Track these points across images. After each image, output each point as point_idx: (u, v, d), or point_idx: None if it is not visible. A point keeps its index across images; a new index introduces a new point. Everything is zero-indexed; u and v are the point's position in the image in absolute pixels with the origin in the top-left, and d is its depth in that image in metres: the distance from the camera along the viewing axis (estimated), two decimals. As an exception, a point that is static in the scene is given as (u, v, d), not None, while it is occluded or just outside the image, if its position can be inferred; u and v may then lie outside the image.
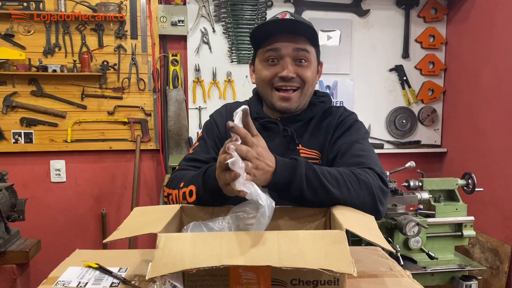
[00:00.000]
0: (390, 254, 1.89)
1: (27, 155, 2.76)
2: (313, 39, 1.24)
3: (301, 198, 1.03)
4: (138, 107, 2.83)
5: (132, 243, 2.83)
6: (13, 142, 2.71)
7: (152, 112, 2.84)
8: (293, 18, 1.22)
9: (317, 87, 2.90)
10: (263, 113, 1.33)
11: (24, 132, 2.72)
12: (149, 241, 2.89)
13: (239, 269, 0.83)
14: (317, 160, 1.27)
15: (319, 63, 1.32)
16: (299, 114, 1.31)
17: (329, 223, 1.08)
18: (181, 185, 1.15)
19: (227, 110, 1.39)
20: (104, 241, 0.89)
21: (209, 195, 1.06)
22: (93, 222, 2.88)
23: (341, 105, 1.48)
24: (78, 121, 2.77)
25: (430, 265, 1.96)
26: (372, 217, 1.00)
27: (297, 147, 1.27)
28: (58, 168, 2.81)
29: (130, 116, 2.82)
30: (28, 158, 2.76)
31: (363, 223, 0.97)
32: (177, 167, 1.31)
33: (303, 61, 1.22)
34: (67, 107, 2.75)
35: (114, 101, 2.79)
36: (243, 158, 0.91)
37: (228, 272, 0.83)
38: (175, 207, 1.07)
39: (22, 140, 2.72)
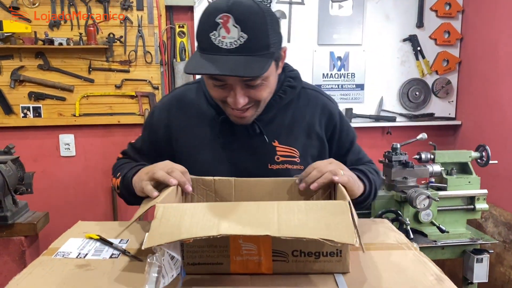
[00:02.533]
0: (400, 227, 1.87)
1: (36, 130, 2.76)
2: (269, 47, 0.99)
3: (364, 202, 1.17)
4: (145, 80, 2.79)
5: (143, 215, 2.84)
6: (22, 117, 2.71)
7: (159, 85, 2.81)
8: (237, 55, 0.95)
9: (328, 59, 2.86)
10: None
11: (32, 107, 2.72)
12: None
13: (239, 240, 0.81)
14: (295, 158, 1.17)
15: (280, 57, 1.08)
16: (269, 106, 1.15)
17: (334, 195, 1.05)
18: (118, 174, 1.21)
19: (175, 100, 1.23)
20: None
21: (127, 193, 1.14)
22: (103, 196, 2.89)
23: (312, 85, 1.31)
24: (85, 95, 2.75)
25: (441, 239, 1.93)
26: None
27: (273, 144, 1.17)
28: (67, 142, 2.81)
29: (138, 89, 2.79)
30: (37, 132, 2.77)
31: None
32: (125, 148, 1.35)
33: (257, 85, 1.02)
34: (75, 80, 2.73)
35: (121, 75, 2.76)
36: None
37: (228, 243, 0.82)
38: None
39: (31, 115, 2.72)
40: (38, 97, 2.71)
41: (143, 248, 0.74)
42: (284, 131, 1.18)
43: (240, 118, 1.10)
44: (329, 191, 1.07)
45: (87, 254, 0.95)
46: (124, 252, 0.96)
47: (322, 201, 0.85)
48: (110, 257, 0.94)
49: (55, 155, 2.82)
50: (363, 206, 1.18)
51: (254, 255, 0.82)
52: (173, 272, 0.76)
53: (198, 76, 2.80)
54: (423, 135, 1.94)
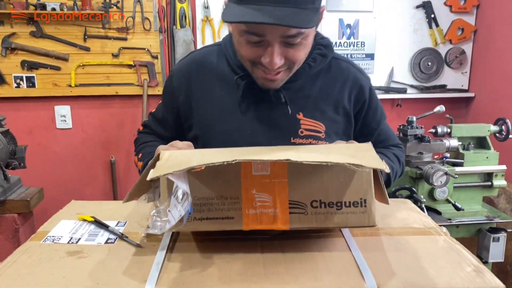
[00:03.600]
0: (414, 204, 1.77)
1: (31, 100, 2.64)
2: (315, 1, 0.90)
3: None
4: (144, 49, 2.65)
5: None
6: (15, 87, 2.58)
7: (158, 54, 2.67)
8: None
9: (337, 27, 2.70)
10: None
11: (25, 76, 2.58)
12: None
13: (252, 190, 0.73)
14: (320, 133, 1.06)
15: (320, 13, 0.96)
16: (298, 74, 1.04)
17: None
18: (140, 155, 1.16)
19: (195, 64, 1.12)
20: (148, 178, 0.77)
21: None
22: (102, 170, 2.79)
23: (345, 56, 1.19)
24: (81, 64, 2.61)
25: (456, 217, 1.84)
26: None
27: (298, 116, 1.06)
28: (63, 114, 2.69)
29: (136, 58, 2.65)
30: (32, 103, 2.65)
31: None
32: (146, 119, 1.26)
33: (296, 43, 0.92)
34: (69, 49, 2.59)
35: (118, 43, 2.62)
36: None
37: (240, 194, 0.74)
38: None
39: (24, 85, 2.59)
40: (31, 66, 2.57)
41: (148, 179, 0.66)
42: (310, 103, 1.07)
43: (270, 81, 0.99)
44: None
45: (80, 238, 0.86)
46: (121, 236, 0.86)
47: (345, 143, 0.79)
48: (106, 242, 0.84)
49: (51, 127, 2.70)
50: None
51: (268, 207, 0.74)
52: (179, 210, 0.69)
53: (199, 44, 2.67)
54: (440, 108, 1.82)
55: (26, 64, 2.56)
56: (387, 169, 0.66)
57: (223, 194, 0.74)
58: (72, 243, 0.84)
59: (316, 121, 1.07)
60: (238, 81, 1.06)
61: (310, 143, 1.05)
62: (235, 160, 0.64)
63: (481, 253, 1.85)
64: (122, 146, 2.78)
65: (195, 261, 0.74)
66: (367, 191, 0.73)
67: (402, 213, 0.98)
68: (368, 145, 0.76)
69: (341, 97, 1.10)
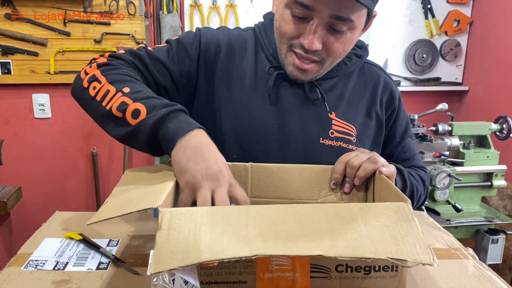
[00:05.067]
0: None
1: (6, 88, 2.46)
2: None
3: None
4: (128, 34, 2.50)
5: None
6: (-11, 73, 2.41)
7: (144, 41, 2.52)
8: None
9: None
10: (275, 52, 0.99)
11: (0, 62, 2.41)
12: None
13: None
14: (351, 137, 0.99)
15: (371, 17, 0.94)
16: (333, 71, 1.00)
17: (373, 189, 0.87)
18: (125, 89, 0.83)
19: (227, 39, 1.01)
20: (87, 223, 0.65)
21: (151, 143, 0.79)
22: (83, 162, 2.65)
23: (375, 62, 1.12)
24: (61, 50, 2.45)
25: (454, 217, 1.79)
26: None
27: (330, 116, 0.99)
28: (41, 103, 2.53)
29: (120, 45, 2.50)
30: (8, 91, 2.47)
31: None
32: (121, 51, 0.97)
33: (341, 31, 0.87)
34: (48, 33, 2.42)
35: (101, 28, 2.46)
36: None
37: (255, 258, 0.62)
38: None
39: (-1, 71, 2.42)
40: (6, 51, 2.39)
41: (148, 273, 0.53)
42: (344, 103, 1.01)
43: (300, 71, 0.93)
44: (365, 183, 0.89)
45: (67, 263, 0.75)
46: (114, 260, 0.76)
47: (378, 204, 0.66)
48: (98, 267, 0.74)
49: (28, 117, 2.54)
50: None
51: (287, 270, 0.64)
52: None
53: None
54: (443, 105, 1.75)
55: (1, 49, 2.38)
56: (436, 264, 0.56)
57: None
58: (59, 269, 0.73)
59: (348, 123, 1.00)
60: (270, 71, 0.97)
61: (340, 146, 0.98)
62: (257, 255, 0.53)
63: (478, 255, 1.81)
64: (105, 137, 2.64)
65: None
66: None
67: (422, 228, 0.91)
68: (408, 210, 0.65)
69: (373, 101, 1.03)
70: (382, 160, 0.85)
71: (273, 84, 0.96)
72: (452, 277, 0.72)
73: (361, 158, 0.86)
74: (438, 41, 2.79)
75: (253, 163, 0.90)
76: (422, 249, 0.57)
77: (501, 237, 1.75)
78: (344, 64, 1.01)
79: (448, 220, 1.77)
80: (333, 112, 0.99)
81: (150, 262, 0.54)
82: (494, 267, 2.33)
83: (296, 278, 0.64)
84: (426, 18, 2.74)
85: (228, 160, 0.78)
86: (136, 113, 0.78)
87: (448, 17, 2.74)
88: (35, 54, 2.43)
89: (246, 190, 0.89)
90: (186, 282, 0.57)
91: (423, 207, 1.69)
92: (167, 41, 1.02)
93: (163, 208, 0.62)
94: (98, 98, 0.85)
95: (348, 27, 0.86)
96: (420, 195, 1.06)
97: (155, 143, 0.79)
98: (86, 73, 0.90)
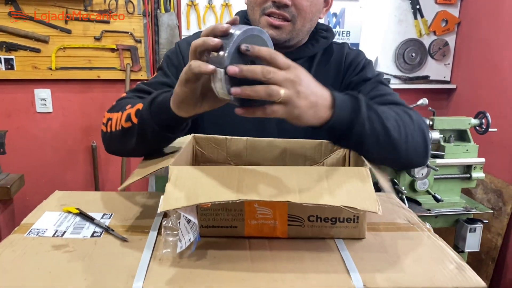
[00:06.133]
0: (396, 195, 1.80)
1: (9, 83, 2.57)
2: None
3: (360, 144, 0.86)
4: (127, 32, 2.60)
5: (125, 174, 2.74)
6: (-7, 69, 2.51)
7: (142, 38, 2.62)
8: None
9: (322, 15, 2.69)
10: None
11: (4, 58, 2.51)
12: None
13: (254, 204, 0.79)
14: None
15: None
16: (298, 50, 1.13)
17: (349, 158, 0.99)
18: (128, 106, 0.93)
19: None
20: (119, 188, 0.78)
21: (153, 120, 0.85)
22: (83, 155, 2.75)
23: (344, 42, 1.24)
24: (62, 47, 2.55)
25: (435, 207, 1.88)
26: None
27: None
28: (43, 98, 2.63)
29: (119, 42, 2.60)
30: (11, 86, 2.58)
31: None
32: (123, 95, 1.09)
33: None
34: (50, 31, 2.52)
35: (100, 25, 2.56)
36: (270, 82, 0.68)
37: (243, 207, 0.79)
38: (187, 137, 1.00)
39: (2, 67, 2.52)
40: (9, 47, 2.49)
41: (158, 211, 0.69)
42: None
43: (275, 29, 1.04)
44: (344, 152, 1.03)
45: (65, 232, 0.85)
46: (107, 229, 0.85)
47: (343, 168, 0.80)
48: (92, 235, 0.83)
49: (31, 111, 2.64)
50: (351, 144, 0.87)
51: (269, 219, 0.80)
52: (189, 236, 0.72)
53: (184, 29, 2.62)
54: (423, 100, 1.84)
55: (4, 46, 2.48)
56: (380, 212, 0.67)
57: (228, 206, 0.80)
58: (58, 236, 0.83)
59: None
60: None
61: None
62: (240, 199, 0.67)
63: (458, 243, 1.90)
64: (104, 131, 2.74)
65: (182, 256, 0.74)
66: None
67: (387, 207, 1.00)
68: (365, 173, 0.76)
69: (338, 74, 1.15)
70: (278, 96, 0.69)
71: None
72: (409, 244, 0.82)
73: (277, 75, 0.68)
74: (426, 41, 2.88)
75: (248, 137, 1.04)
76: (371, 201, 0.70)
77: (479, 226, 1.84)
78: (312, 45, 1.14)
79: (429, 210, 1.87)
80: None
81: (160, 204, 0.69)
82: (477, 257, 2.42)
83: (276, 225, 0.80)
84: (415, 18, 2.83)
85: None
86: (137, 112, 0.89)
87: (437, 17, 2.84)
88: (37, 50, 2.53)
89: (242, 157, 1.06)
90: (188, 221, 0.72)
91: (404, 197, 1.78)
92: (158, 68, 1.15)
93: (172, 166, 0.77)
94: (118, 128, 0.94)
95: None
96: (404, 124, 0.90)
97: (162, 119, 0.85)
98: (103, 123, 1.01)
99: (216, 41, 0.69)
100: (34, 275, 0.69)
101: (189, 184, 0.72)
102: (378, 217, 0.94)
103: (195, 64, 0.70)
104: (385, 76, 2.86)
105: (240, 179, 0.73)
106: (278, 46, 1.02)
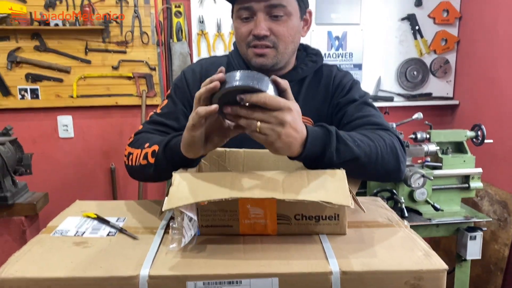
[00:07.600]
0: (395, 205, 1.89)
1: (34, 111, 2.77)
2: None
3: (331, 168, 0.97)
4: (142, 61, 2.79)
5: (141, 194, 2.88)
6: (20, 98, 2.72)
7: (156, 66, 2.80)
8: None
9: (325, 39, 2.84)
10: (246, 68, 1.22)
11: (30, 88, 2.72)
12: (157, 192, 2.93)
13: (247, 205, 0.90)
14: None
15: (305, 13, 1.20)
16: (288, 74, 1.23)
17: None
18: (146, 145, 1.09)
19: (202, 68, 1.27)
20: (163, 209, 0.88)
21: (167, 161, 1.02)
22: (102, 177, 2.92)
23: (334, 64, 1.33)
24: (83, 76, 2.74)
25: (436, 217, 1.96)
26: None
27: None
28: (65, 124, 2.82)
29: (135, 70, 2.79)
30: (36, 114, 2.78)
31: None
32: (140, 127, 1.25)
33: (279, 16, 1.12)
34: (71, 62, 2.73)
35: (118, 55, 2.75)
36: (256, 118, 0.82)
37: (238, 208, 0.90)
38: None
39: (28, 96, 2.72)
40: (35, 78, 2.70)
41: (163, 210, 0.81)
42: (299, 102, 1.16)
43: (259, 57, 1.15)
44: None
45: (84, 232, 0.97)
46: (120, 230, 0.98)
47: (322, 170, 0.91)
48: (107, 235, 0.96)
49: (54, 136, 2.83)
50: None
51: (261, 218, 0.91)
52: (191, 232, 0.85)
53: (195, 56, 2.80)
54: (418, 115, 1.94)
55: (30, 77, 2.69)
56: (352, 206, 0.78)
57: (224, 208, 0.90)
58: (78, 235, 0.95)
59: (305, 117, 1.13)
60: None
61: None
62: (232, 197, 0.79)
63: (459, 251, 1.96)
64: (122, 154, 2.89)
65: (185, 249, 0.86)
66: (340, 208, 0.90)
67: (371, 209, 1.10)
68: (341, 174, 0.87)
69: (326, 95, 1.23)
70: (258, 128, 0.82)
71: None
72: (384, 236, 0.92)
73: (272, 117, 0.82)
74: (427, 59, 2.99)
75: (245, 149, 1.16)
76: (345, 197, 0.81)
77: (479, 234, 1.90)
78: (301, 70, 1.23)
79: (429, 219, 1.94)
80: None
81: (163, 203, 0.81)
82: (486, 269, 2.46)
83: (267, 224, 0.92)
84: (415, 38, 2.96)
85: None
86: (153, 153, 1.05)
87: (436, 36, 2.96)
88: (60, 80, 2.73)
89: (240, 167, 1.18)
90: (190, 219, 0.85)
91: (403, 207, 1.86)
92: (167, 96, 1.28)
93: (175, 173, 0.89)
94: (137, 163, 1.11)
95: (284, 12, 1.12)
96: (376, 147, 1.00)
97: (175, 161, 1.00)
98: (125, 155, 1.20)
99: (215, 82, 0.82)
100: (58, 265, 0.81)
101: (189, 187, 0.84)
102: (361, 216, 1.04)
103: (201, 109, 0.84)
104: (388, 95, 2.97)
105: (233, 182, 0.85)
106: (268, 71, 1.15)
